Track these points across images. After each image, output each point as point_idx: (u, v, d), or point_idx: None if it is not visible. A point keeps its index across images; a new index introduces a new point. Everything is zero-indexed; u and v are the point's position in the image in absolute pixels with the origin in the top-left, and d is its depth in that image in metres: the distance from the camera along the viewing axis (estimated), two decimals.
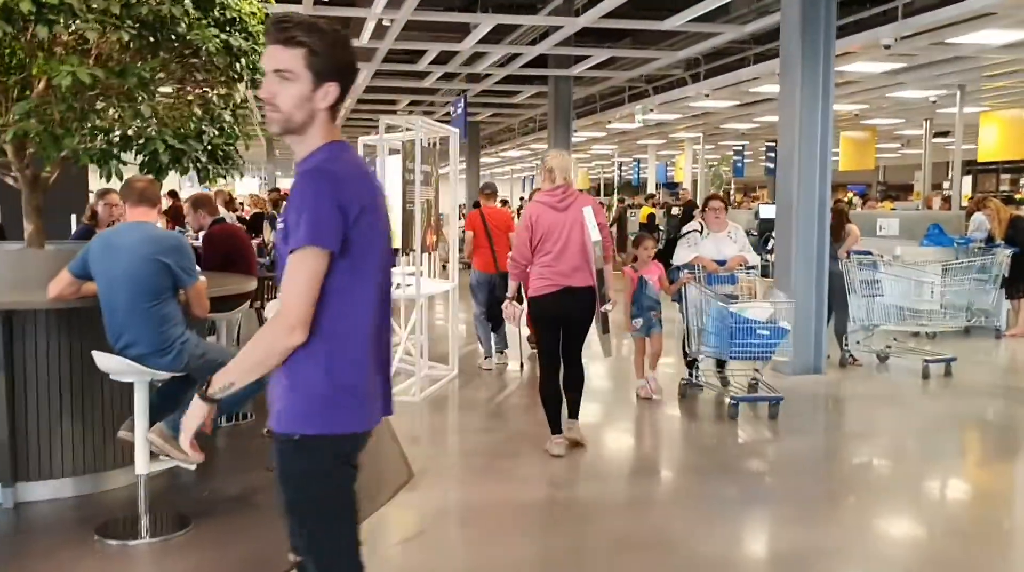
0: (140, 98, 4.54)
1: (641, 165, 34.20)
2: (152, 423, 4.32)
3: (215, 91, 4.99)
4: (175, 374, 4.32)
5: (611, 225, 19.31)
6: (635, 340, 7.16)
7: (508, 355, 8.58)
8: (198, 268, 4.34)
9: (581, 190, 6.40)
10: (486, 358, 8.46)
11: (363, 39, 12.12)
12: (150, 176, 4.56)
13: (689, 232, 7.14)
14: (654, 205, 18.73)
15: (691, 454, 6.05)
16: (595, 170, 44.27)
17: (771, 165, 25.19)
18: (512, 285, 5.72)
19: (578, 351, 5.60)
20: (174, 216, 13.26)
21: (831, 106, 8.20)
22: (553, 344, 5.49)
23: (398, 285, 7.62)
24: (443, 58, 14.56)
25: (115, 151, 4.57)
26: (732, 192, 33.29)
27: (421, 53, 14.03)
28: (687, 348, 6.97)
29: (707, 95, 12.97)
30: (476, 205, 9.01)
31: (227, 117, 4.99)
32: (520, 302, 6.04)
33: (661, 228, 18.15)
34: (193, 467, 4.71)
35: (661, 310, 7.06)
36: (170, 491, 4.82)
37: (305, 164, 2.18)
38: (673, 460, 6.01)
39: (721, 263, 6.89)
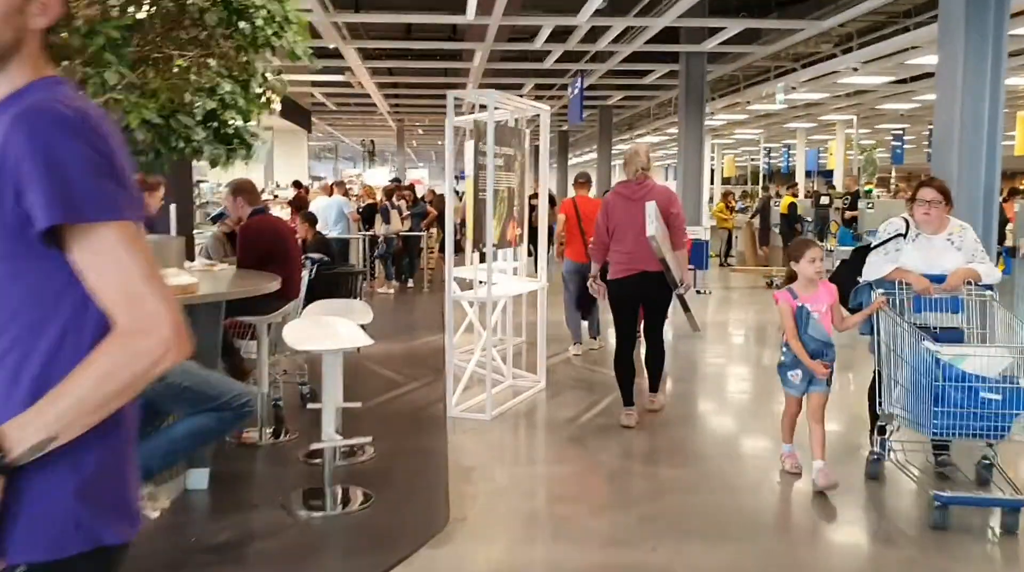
0: (109, 64, 3.73)
1: (790, 151, 31.99)
2: None
3: (212, 56, 4.14)
4: None
5: (753, 216, 17.79)
6: (786, 396, 4.89)
7: (600, 341, 8.58)
8: None
9: (662, 184, 6.56)
10: (574, 344, 8.48)
11: (469, 14, 11.24)
12: None
13: (892, 237, 4.73)
14: (795, 194, 16.99)
15: None
16: (742, 157, 42.02)
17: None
18: (595, 266, 6.11)
19: (658, 331, 5.99)
20: (299, 209, 12.86)
21: (1003, 78, 6.69)
22: (628, 324, 5.93)
23: (477, 282, 6.71)
24: (561, 35, 13.51)
25: None
26: (893, 180, 30.59)
27: (537, 30, 13.03)
28: (877, 404, 4.67)
29: (855, 69, 11.34)
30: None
31: (227, 87, 4.14)
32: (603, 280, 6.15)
33: (807, 220, 16.48)
34: None
35: (834, 357, 4.73)
36: (149, 537, 4.04)
37: (16, 105, 1.33)
38: None
39: (937, 280, 4.61)
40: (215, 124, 4.40)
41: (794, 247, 4.86)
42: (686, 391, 7.44)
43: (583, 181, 8.82)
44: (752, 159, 39.34)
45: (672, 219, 5.78)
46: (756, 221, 17.67)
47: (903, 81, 15.49)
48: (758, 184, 31.00)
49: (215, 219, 5.93)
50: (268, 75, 4.76)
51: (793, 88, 14.43)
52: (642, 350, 6.31)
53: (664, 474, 5.17)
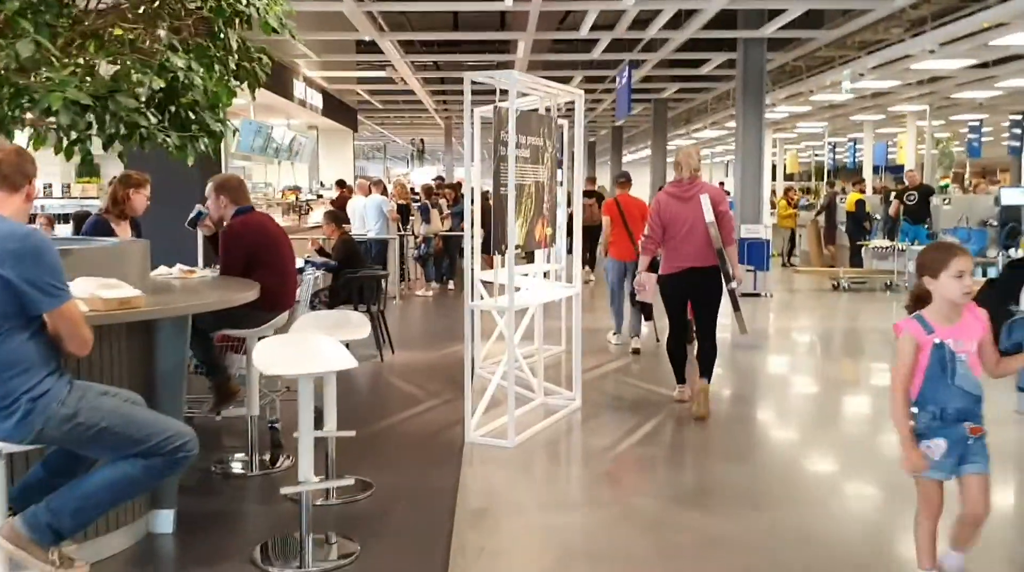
0: (25, 32, 3.08)
1: (857, 146, 30.56)
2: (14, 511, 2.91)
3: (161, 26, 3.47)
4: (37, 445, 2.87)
5: (818, 214, 16.76)
6: (918, 486, 3.22)
7: (637, 342, 8.40)
8: (69, 284, 2.84)
9: (720, 183, 7.48)
10: (614, 334, 8.76)
11: (508, 0, 10.50)
12: (10, 143, 3.12)
13: None
14: (863, 190, 15.85)
15: None
16: (805, 152, 40.51)
17: (1016, 143, 21.28)
18: (644, 260, 6.24)
19: (711, 327, 6.12)
20: (340, 209, 12.28)
21: None
22: (679, 315, 6.22)
23: (498, 287, 6.01)
24: (610, 23, 12.67)
25: None
26: (967, 175, 28.97)
27: (582, 17, 12.21)
28: None
29: (932, 52, 10.28)
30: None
31: (179, 62, 3.45)
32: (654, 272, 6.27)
33: (876, 217, 15.38)
34: None
35: (981, 416, 3.17)
36: None
37: None
38: None
39: None
40: (174, 108, 3.71)
41: (931, 256, 3.18)
42: (743, 414, 6.52)
43: (623, 180, 9.06)
44: (816, 154, 37.85)
45: (721, 217, 5.97)
46: (821, 219, 16.62)
47: (984, 65, 14.27)
48: (822, 180, 29.64)
49: (193, 223, 5.27)
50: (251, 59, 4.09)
51: (861, 75, 13.34)
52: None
53: (714, 526, 4.21)
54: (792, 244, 18.27)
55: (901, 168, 25.25)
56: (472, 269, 5.91)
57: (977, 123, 22.76)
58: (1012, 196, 12.96)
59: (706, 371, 6.05)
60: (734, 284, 5.99)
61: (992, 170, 35.40)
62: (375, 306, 8.25)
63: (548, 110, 6.33)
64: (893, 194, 15.66)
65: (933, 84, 17.05)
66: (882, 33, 12.93)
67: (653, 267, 6.22)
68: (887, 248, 13.71)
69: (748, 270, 12.84)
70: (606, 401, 6.65)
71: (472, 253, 5.95)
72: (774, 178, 31.53)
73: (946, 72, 15.36)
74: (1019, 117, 20.65)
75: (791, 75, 16.71)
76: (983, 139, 24.02)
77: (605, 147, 36.52)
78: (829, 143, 30.19)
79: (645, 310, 8.31)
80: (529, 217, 5.79)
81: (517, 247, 5.67)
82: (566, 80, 18.59)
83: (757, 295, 12.79)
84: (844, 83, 12.95)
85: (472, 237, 5.99)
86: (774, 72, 16.70)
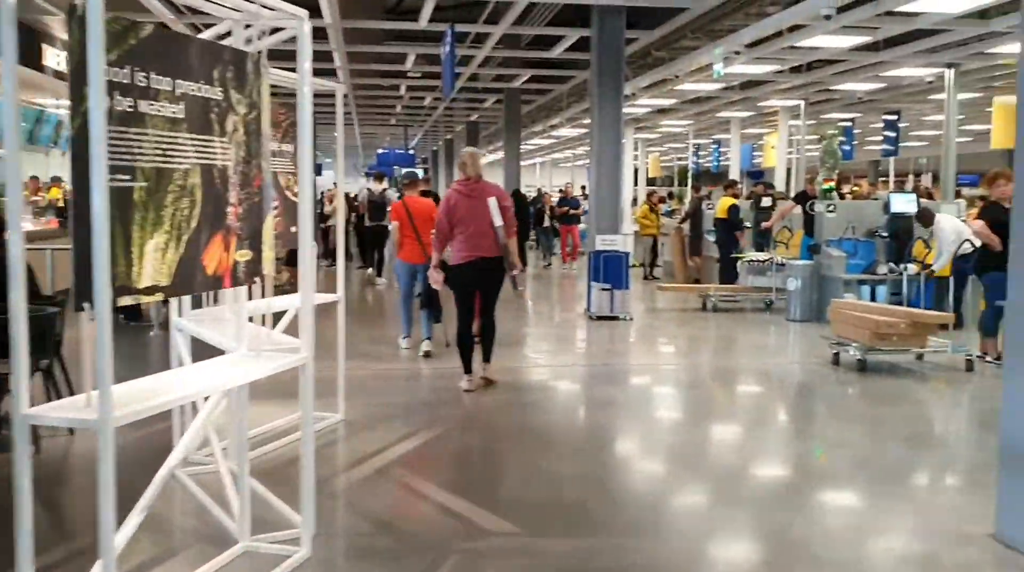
0: None
1: (721, 148, 29.14)
2: None
3: None
4: None
5: (683, 221, 14.77)
6: None
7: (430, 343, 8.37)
8: None
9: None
10: (404, 338, 8.68)
11: None
12: None
13: None
14: (736, 194, 13.87)
15: None
16: (668, 155, 39.19)
17: (890, 147, 19.93)
18: (436, 255, 6.90)
19: (492, 307, 6.96)
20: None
21: None
22: (468, 302, 6.88)
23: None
24: None
25: None
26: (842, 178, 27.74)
27: None
28: None
29: (828, 18, 8.11)
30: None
31: None
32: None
33: (747, 225, 13.40)
34: None
35: None
36: None
37: None
38: None
39: None
40: None
41: None
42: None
43: (408, 182, 9.17)
44: (679, 158, 36.53)
45: (504, 213, 6.65)
46: (686, 227, 14.60)
47: (874, 47, 12.40)
48: (685, 185, 28.03)
49: None
50: None
51: (736, 53, 11.21)
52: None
53: None
54: (654, 254, 16.25)
55: (762, 174, 23.84)
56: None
57: (849, 123, 21.35)
58: (902, 203, 11.15)
59: (488, 352, 7.02)
60: (515, 272, 6.84)
61: (846, 177, 34.76)
62: (46, 359, 5.42)
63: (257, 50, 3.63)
64: (777, 198, 13.84)
65: (811, 73, 15.25)
66: (757, 8, 10.81)
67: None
68: (765, 261, 11.68)
69: (604, 289, 10.62)
70: (365, 423, 5.67)
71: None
72: (636, 182, 29.85)
73: (831, 54, 13.44)
74: (893, 117, 19.29)
75: (654, 65, 14.58)
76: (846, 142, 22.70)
77: (461, 145, 34.01)
78: (693, 145, 28.65)
79: (435, 313, 8.37)
80: (180, 233, 3.09)
81: (153, 292, 2.96)
82: (399, 59, 15.89)
83: (615, 318, 10.51)
84: (716, 65, 10.78)
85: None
86: (636, 58, 14.53)
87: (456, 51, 10.52)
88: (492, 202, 6.60)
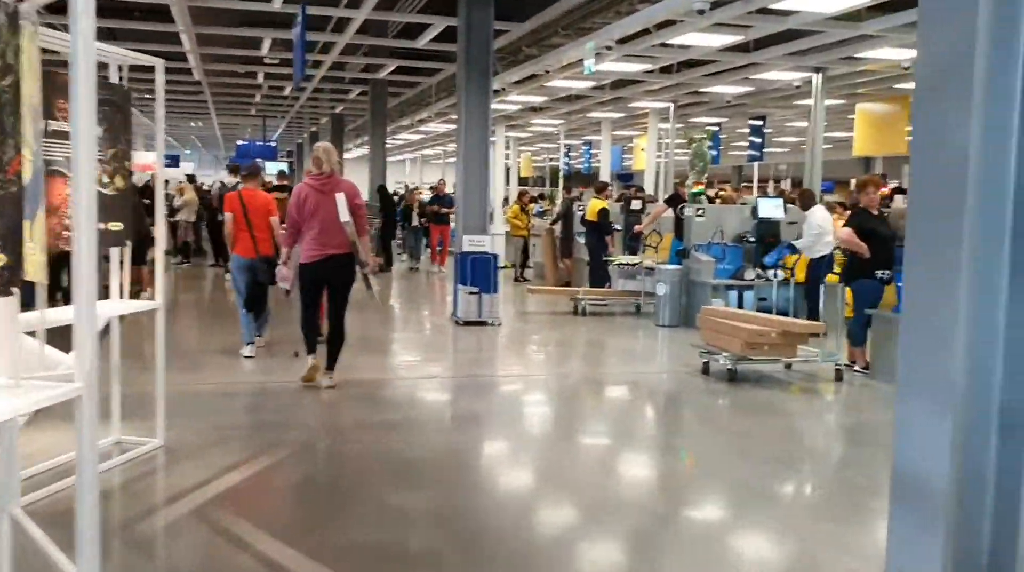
0: None
1: (592, 149, 29.13)
2: None
3: None
4: None
5: (554, 222, 14.40)
6: None
7: (266, 338, 8.24)
8: None
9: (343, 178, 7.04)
10: (247, 345, 7.95)
11: None
12: None
13: None
14: (607, 197, 13.60)
15: None
16: (540, 155, 39.10)
17: (755, 152, 20.21)
18: (285, 251, 6.76)
19: (342, 311, 6.65)
20: None
21: None
22: (314, 299, 6.68)
23: None
24: None
25: None
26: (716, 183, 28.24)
27: None
28: None
29: (701, 12, 7.83)
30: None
31: None
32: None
33: (617, 227, 13.14)
34: None
35: None
36: None
37: None
38: None
39: None
40: None
41: None
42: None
43: (247, 174, 8.57)
44: (551, 158, 36.44)
45: (356, 210, 6.51)
46: (557, 228, 14.24)
47: (744, 48, 12.31)
48: (557, 186, 27.87)
49: None
50: None
51: (608, 48, 10.87)
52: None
53: None
54: (525, 255, 15.85)
55: (631, 177, 23.88)
56: None
57: (716, 127, 21.59)
58: (769, 208, 11.10)
59: (333, 359, 6.69)
60: (367, 270, 6.67)
61: (709, 182, 35.53)
62: None
63: None
64: (647, 201, 13.65)
65: (682, 74, 15.15)
66: (627, 6, 10.50)
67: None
68: (635, 265, 11.40)
69: (472, 293, 10.07)
70: (193, 450, 4.53)
71: None
72: (508, 181, 29.50)
73: (702, 53, 13.31)
74: (759, 122, 19.56)
75: (524, 61, 14.15)
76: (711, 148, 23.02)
77: (327, 139, 32.84)
78: (564, 145, 28.53)
79: (258, 314, 8.00)
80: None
81: None
82: (254, 43, 14.90)
83: (483, 324, 9.98)
84: (587, 61, 10.39)
85: None
86: (506, 54, 14.06)
87: (308, 36, 9.70)
88: (340, 197, 6.37)
